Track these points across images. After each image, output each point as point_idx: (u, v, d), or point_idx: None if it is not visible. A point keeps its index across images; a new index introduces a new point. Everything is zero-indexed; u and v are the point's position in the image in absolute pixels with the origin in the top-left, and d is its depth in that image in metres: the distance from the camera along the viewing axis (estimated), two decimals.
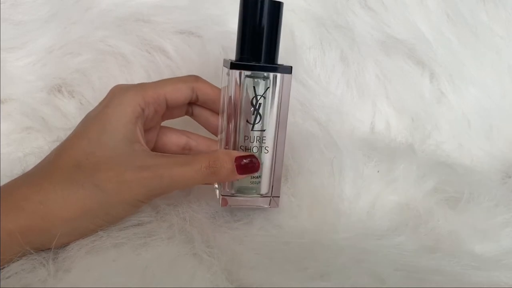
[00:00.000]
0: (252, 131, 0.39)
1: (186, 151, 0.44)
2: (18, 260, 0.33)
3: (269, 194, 0.42)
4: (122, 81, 0.51)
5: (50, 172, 0.35)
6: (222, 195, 0.41)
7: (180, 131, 0.44)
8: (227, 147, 0.40)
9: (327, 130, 0.50)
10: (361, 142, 0.51)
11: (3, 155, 0.45)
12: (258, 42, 0.38)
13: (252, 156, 0.38)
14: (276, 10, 0.38)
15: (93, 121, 0.37)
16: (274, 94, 0.39)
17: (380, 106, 0.55)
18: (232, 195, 0.41)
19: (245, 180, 0.40)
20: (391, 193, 0.45)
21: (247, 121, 0.39)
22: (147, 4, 0.52)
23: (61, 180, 0.34)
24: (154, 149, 0.43)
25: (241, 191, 0.41)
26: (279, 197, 0.42)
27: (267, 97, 0.39)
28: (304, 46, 0.54)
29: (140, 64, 0.52)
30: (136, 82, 0.40)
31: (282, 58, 0.41)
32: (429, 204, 0.45)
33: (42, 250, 0.34)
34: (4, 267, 0.33)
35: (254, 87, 0.38)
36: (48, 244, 0.34)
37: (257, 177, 0.41)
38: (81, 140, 0.36)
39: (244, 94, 0.38)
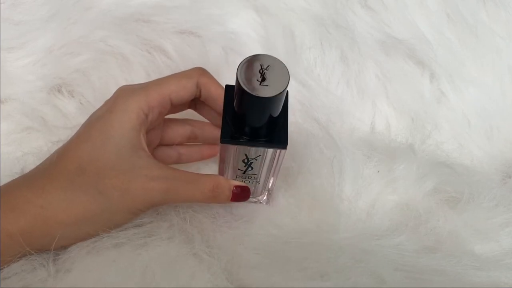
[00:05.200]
0: (244, 174, 0.40)
1: (191, 140, 0.44)
2: (18, 260, 0.33)
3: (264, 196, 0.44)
4: (122, 81, 0.51)
5: (53, 175, 0.35)
6: None
7: (183, 120, 0.44)
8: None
9: (327, 130, 0.50)
10: (361, 142, 0.50)
11: (3, 155, 0.45)
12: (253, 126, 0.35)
13: (247, 187, 0.40)
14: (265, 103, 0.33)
15: (96, 125, 0.36)
16: (266, 159, 0.39)
17: (380, 106, 0.55)
18: None
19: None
20: (391, 193, 0.45)
21: (238, 169, 0.40)
22: (147, 4, 0.52)
23: (64, 184, 0.34)
24: (160, 143, 0.43)
25: None
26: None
27: (259, 160, 0.39)
28: (304, 46, 0.54)
29: (140, 64, 0.51)
30: (136, 82, 0.40)
31: (282, 59, 0.40)
32: (429, 204, 0.44)
33: (42, 252, 0.35)
34: (4, 268, 0.33)
35: (245, 154, 0.38)
36: (47, 247, 0.34)
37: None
38: (84, 143, 0.36)
39: (234, 154, 0.38)
